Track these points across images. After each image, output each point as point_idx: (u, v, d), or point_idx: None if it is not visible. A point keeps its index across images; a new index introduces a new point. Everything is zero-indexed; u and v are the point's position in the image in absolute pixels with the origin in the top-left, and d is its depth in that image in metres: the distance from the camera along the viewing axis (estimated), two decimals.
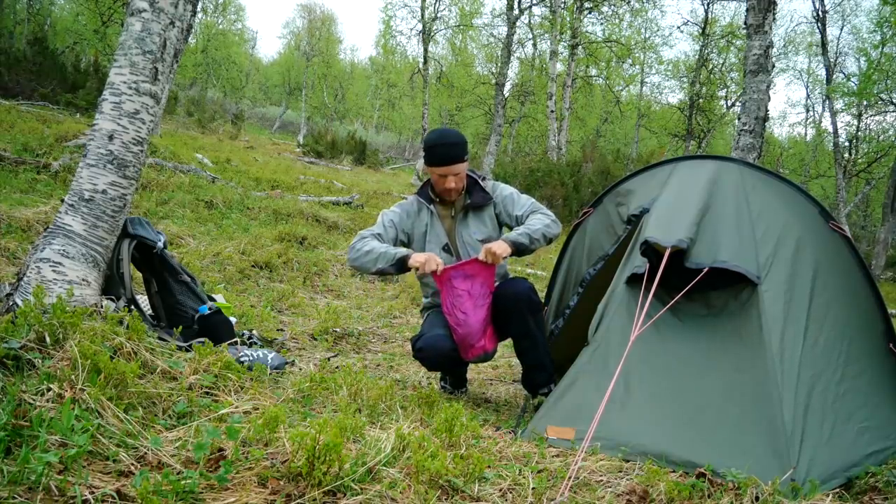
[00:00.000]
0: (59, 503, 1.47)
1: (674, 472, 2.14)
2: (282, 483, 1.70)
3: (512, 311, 2.93)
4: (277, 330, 3.85)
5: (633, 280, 2.67)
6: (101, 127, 2.79)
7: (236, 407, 2.18)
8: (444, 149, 2.99)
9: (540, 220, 2.97)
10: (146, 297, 3.21)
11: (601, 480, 2.04)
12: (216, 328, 3.07)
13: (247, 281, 5.03)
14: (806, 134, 31.18)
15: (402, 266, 2.85)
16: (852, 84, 19.87)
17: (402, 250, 2.89)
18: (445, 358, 2.96)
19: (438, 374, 3.37)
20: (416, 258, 2.83)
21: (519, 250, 2.90)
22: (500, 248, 2.85)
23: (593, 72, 22.83)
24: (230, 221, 7.01)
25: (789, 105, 78.09)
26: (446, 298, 2.84)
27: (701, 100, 21.90)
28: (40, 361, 2.01)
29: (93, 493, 1.51)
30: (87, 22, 21.75)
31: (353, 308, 4.89)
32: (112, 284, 2.87)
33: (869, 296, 2.79)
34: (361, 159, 22.45)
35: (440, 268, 2.80)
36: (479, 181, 3.14)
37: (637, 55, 24.78)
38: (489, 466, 2.00)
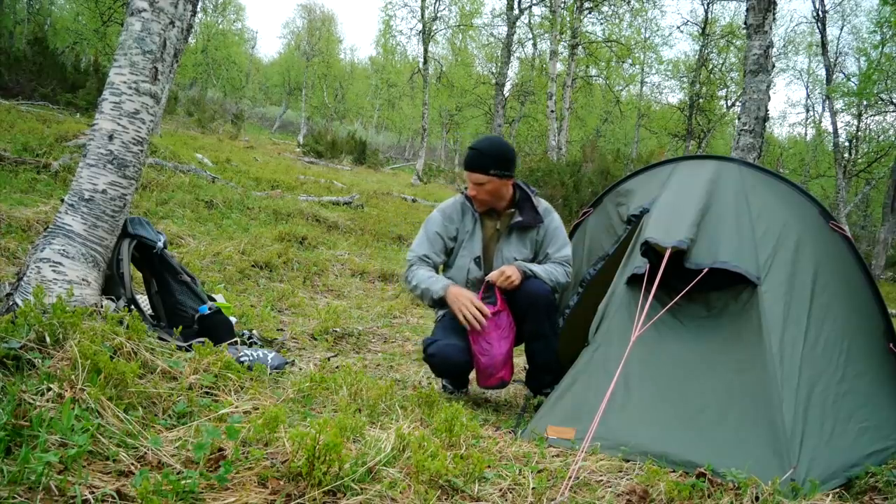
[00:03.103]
0: (59, 503, 1.47)
1: (674, 472, 2.14)
2: (282, 483, 1.70)
3: (528, 310, 2.91)
4: (277, 330, 3.85)
5: (634, 280, 2.67)
6: (101, 127, 2.79)
7: (236, 407, 2.18)
8: (471, 153, 2.92)
9: (561, 273, 2.98)
10: (146, 297, 3.21)
11: (601, 480, 2.04)
12: (216, 328, 3.07)
13: (247, 281, 5.03)
14: (806, 134, 31.21)
15: (442, 303, 2.92)
16: (852, 84, 19.89)
17: (441, 286, 2.88)
18: (457, 369, 2.97)
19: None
20: (455, 305, 2.83)
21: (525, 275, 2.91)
22: (515, 276, 2.85)
23: (593, 72, 22.84)
24: (230, 221, 7.01)
25: (789, 105, 78.19)
26: None
27: (701, 100, 21.91)
28: (40, 361, 2.01)
29: (93, 492, 1.51)
30: (87, 22, 21.77)
31: (353, 308, 4.89)
32: (112, 284, 2.87)
33: (869, 296, 2.79)
34: (361, 159, 22.46)
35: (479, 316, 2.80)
36: (532, 198, 3.03)
37: (637, 55, 24.80)
38: (489, 466, 2.00)
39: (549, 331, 2.95)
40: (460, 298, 2.83)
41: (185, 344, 2.70)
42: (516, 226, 3.01)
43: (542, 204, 3.08)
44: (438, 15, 23.60)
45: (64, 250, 2.65)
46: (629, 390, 2.42)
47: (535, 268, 2.94)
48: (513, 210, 3.04)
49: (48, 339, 2.10)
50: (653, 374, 2.48)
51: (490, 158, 2.87)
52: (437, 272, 3.04)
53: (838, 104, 19.80)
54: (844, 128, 22.55)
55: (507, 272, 2.85)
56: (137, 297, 2.98)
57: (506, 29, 19.18)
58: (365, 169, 21.44)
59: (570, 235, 3.61)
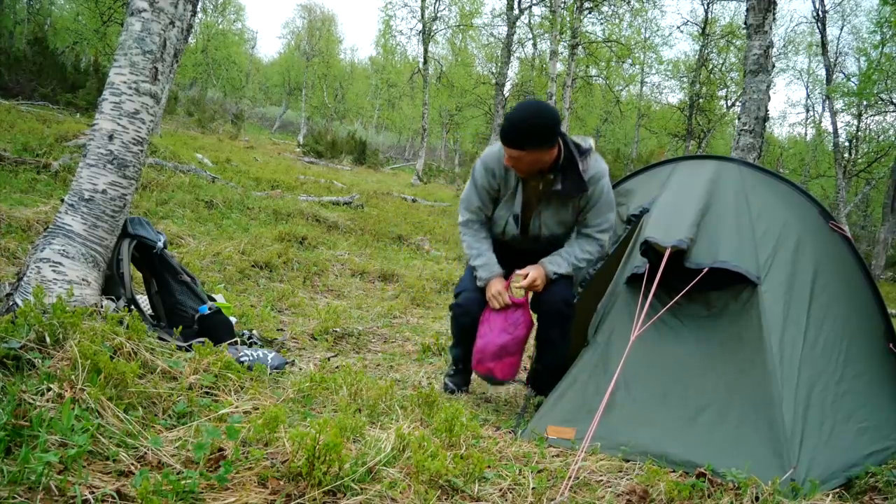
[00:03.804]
0: (59, 503, 1.47)
1: (674, 472, 2.14)
2: (282, 483, 1.70)
3: (542, 315, 2.93)
4: (277, 330, 3.84)
5: (633, 280, 2.67)
6: (101, 127, 2.79)
7: (236, 407, 2.18)
8: (506, 126, 2.66)
9: (593, 249, 2.88)
10: (146, 297, 3.21)
11: (601, 480, 2.04)
12: (216, 328, 3.07)
13: (247, 281, 5.03)
14: (806, 134, 31.21)
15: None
16: (852, 84, 19.88)
17: (483, 275, 2.91)
18: (469, 320, 2.96)
19: (440, 375, 3.36)
20: (489, 290, 2.88)
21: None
22: (540, 281, 2.83)
23: (593, 72, 22.83)
24: (230, 221, 7.01)
25: (789, 105, 78.21)
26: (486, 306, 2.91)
27: (701, 100, 21.91)
28: (40, 361, 2.01)
29: (93, 492, 1.51)
30: (87, 22, 21.75)
31: (353, 308, 4.89)
32: (112, 284, 2.87)
33: (869, 296, 2.79)
34: (361, 159, 22.47)
35: (499, 303, 2.85)
36: (579, 162, 2.74)
37: (637, 55, 24.79)
38: (489, 466, 2.00)
39: (559, 338, 2.94)
40: (492, 288, 2.88)
41: (185, 344, 2.70)
42: (556, 193, 2.80)
43: (593, 168, 2.80)
44: (438, 15, 23.61)
45: (64, 250, 2.65)
46: (629, 390, 2.42)
47: (562, 264, 2.86)
48: (554, 175, 2.79)
49: (48, 339, 2.10)
50: (653, 374, 2.48)
51: (525, 135, 2.61)
52: (486, 225, 3.02)
53: (838, 104, 19.80)
54: (844, 128, 22.58)
55: (532, 276, 2.82)
56: (137, 297, 2.98)
57: (506, 29, 19.19)
58: (365, 169, 21.45)
59: None
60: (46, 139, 7.98)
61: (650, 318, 2.50)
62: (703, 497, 1.94)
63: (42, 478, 1.48)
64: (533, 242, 2.99)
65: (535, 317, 2.98)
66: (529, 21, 22.75)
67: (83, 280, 2.67)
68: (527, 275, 2.84)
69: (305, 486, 1.68)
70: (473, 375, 3.23)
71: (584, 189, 2.78)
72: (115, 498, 1.52)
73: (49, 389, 1.85)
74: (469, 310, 2.94)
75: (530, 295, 2.94)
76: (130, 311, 2.58)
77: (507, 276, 2.96)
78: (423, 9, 22.57)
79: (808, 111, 30.29)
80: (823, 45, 18.52)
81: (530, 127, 2.61)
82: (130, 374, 2.00)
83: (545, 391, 2.98)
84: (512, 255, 3.03)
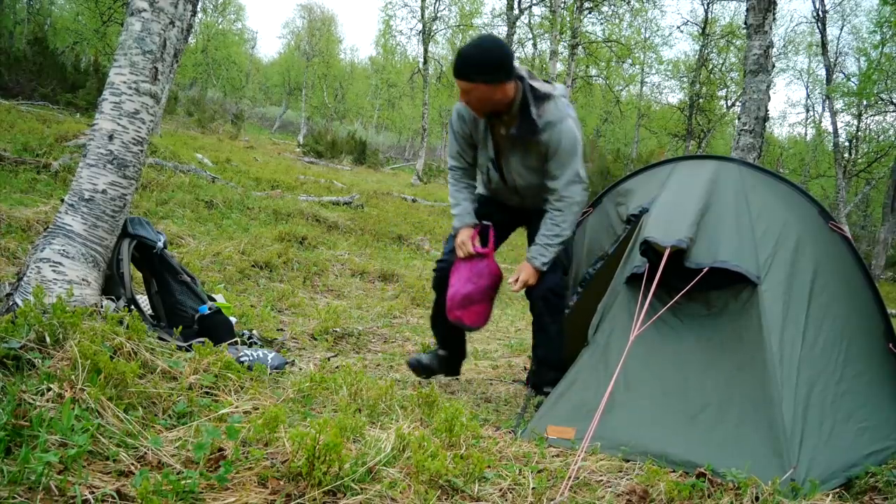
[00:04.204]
0: (59, 503, 1.47)
1: (674, 471, 2.14)
2: (282, 483, 1.70)
3: (531, 307, 3.00)
4: (277, 330, 3.85)
5: (633, 280, 2.67)
6: (101, 127, 2.79)
7: (236, 407, 2.18)
8: (456, 58, 2.67)
9: (566, 222, 2.85)
10: (146, 297, 3.21)
11: (601, 480, 2.04)
12: (216, 328, 3.07)
13: (247, 281, 5.03)
14: (806, 134, 31.21)
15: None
16: (852, 84, 19.89)
17: (455, 223, 3.02)
18: (442, 283, 3.04)
19: (439, 374, 3.37)
20: (456, 239, 2.99)
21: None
22: (532, 278, 2.88)
23: (593, 72, 22.83)
24: (230, 221, 7.01)
25: (789, 105, 78.22)
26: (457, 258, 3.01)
27: (701, 100, 21.91)
28: (40, 361, 2.01)
29: (93, 492, 1.51)
30: (87, 22, 21.76)
31: (353, 308, 4.89)
32: (112, 284, 2.87)
33: (869, 296, 2.79)
34: (361, 159, 22.46)
35: (463, 252, 2.94)
36: (532, 107, 2.71)
37: (637, 55, 24.78)
38: (489, 466, 2.00)
39: (549, 325, 2.96)
40: (459, 237, 2.98)
41: (185, 344, 2.70)
42: (513, 138, 2.80)
43: (551, 113, 2.73)
44: (438, 15, 23.62)
45: (64, 250, 2.65)
46: (629, 390, 2.42)
47: (544, 253, 2.86)
48: (511, 118, 2.79)
49: (48, 339, 2.10)
50: (653, 374, 2.48)
51: (473, 65, 2.62)
52: (469, 173, 3.10)
53: (838, 104, 19.80)
54: (844, 128, 22.58)
55: (523, 279, 2.87)
56: (137, 297, 2.98)
57: (506, 29, 19.17)
58: (365, 169, 21.44)
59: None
60: (46, 139, 7.98)
61: (650, 317, 2.50)
62: (703, 497, 1.94)
63: (42, 478, 1.48)
64: (514, 193, 3.03)
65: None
66: (529, 21, 22.75)
67: (83, 280, 2.67)
68: (517, 279, 2.88)
69: (305, 486, 1.68)
70: (472, 375, 3.23)
71: (535, 132, 2.73)
72: (115, 498, 1.52)
73: (49, 389, 1.85)
74: (442, 274, 3.03)
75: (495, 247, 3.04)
76: (130, 311, 2.58)
77: (502, 231, 3.08)
78: (423, 9, 22.57)
79: (808, 111, 30.32)
80: (823, 45, 18.53)
81: (479, 58, 2.63)
82: (130, 374, 2.00)
83: (539, 388, 3.00)
84: (505, 211, 3.12)
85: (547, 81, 2.89)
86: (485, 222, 3.01)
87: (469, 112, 2.87)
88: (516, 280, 2.89)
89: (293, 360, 3.22)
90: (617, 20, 21.60)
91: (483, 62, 2.62)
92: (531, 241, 2.99)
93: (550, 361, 3.00)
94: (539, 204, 2.95)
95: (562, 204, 2.83)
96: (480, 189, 3.16)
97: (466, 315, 2.94)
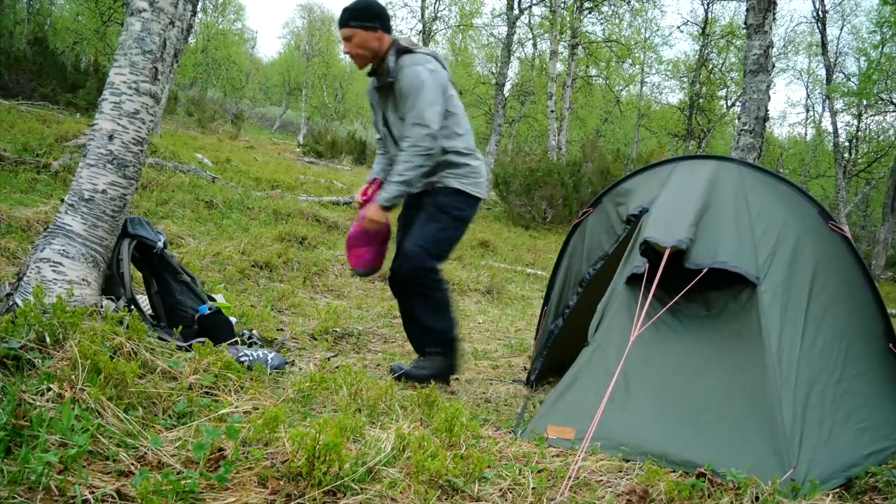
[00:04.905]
0: (59, 503, 1.47)
1: (674, 471, 2.14)
2: (282, 483, 1.70)
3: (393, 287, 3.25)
4: (277, 330, 3.85)
5: (633, 280, 2.67)
6: (101, 127, 2.79)
7: (236, 407, 2.18)
8: (342, 12, 3.03)
9: (405, 158, 2.97)
10: (146, 297, 3.21)
11: (601, 480, 2.04)
12: (216, 328, 3.07)
13: (247, 281, 5.03)
14: (806, 134, 31.20)
15: None
16: (852, 84, 19.89)
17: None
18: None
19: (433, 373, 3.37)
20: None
21: (397, 205, 3.09)
22: (376, 216, 3.05)
23: (593, 72, 22.83)
24: (230, 221, 7.01)
25: (789, 105, 78.12)
26: None
27: (701, 100, 21.92)
28: (40, 361, 2.01)
29: (93, 492, 1.51)
30: (87, 22, 21.76)
31: (353, 308, 4.89)
32: (112, 284, 2.86)
33: (868, 296, 2.79)
34: (361, 159, 22.44)
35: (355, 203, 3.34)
36: (392, 57, 3.02)
37: (637, 55, 24.78)
38: (489, 466, 2.00)
39: (420, 305, 3.12)
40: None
41: (185, 344, 2.70)
42: (381, 89, 3.13)
43: (403, 61, 3.01)
44: (438, 15, 23.62)
45: (64, 250, 2.65)
46: (629, 390, 2.42)
47: (387, 189, 3.01)
48: (384, 70, 3.08)
49: (48, 339, 2.10)
50: (653, 374, 2.48)
51: (348, 11, 3.00)
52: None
53: (838, 104, 19.81)
54: (844, 128, 22.57)
55: (370, 216, 3.06)
56: (137, 297, 2.98)
57: (506, 29, 19.16)
58: (365, 169, 21.40)
59: (570, 235, 3.61)
60: (46, 139, 7.97)
61: (650, 318, 2.50)
62: (703, 497, 1.94)
63: (42, 478, 1.48)
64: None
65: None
66: (529, 21, 22.74)
67: (83, 280, 2.67)
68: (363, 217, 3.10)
69: (305, 486, 1.68)
70: (471, 375, 3.23)
71: (392, 79, 3.01)
72: (115, 498, 1.52)
73: (49, 389, 1.85)
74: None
75: (371, 193, 3.22)
76: (130, 311, 2.58)
77: (415, 200, 3.20)
78: (423, 9, 22.57)
79: (808, 111, 30.31)
80: (823, 45, 18.53)
81: (356, 6, 3.01)
82: (130, 374, 2.00)
83: (424, 347, 3.20)
84: None
85: (422, 45, 3.21)
86: (374, 177, 3.29)
87: (372, 81, 3.19)
88: (368, 220, 3.07)
89: (293, 360, 3.22)
90: (617, 20, 21.61)
91: (362, 10, 3.01)
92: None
93: (425, 327, 3.15)
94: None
95: (404, 144, 2.99)
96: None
97: (350, 258, 3.21)
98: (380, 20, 3.03)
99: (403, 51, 3.03)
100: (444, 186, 3.09)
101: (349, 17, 3.00)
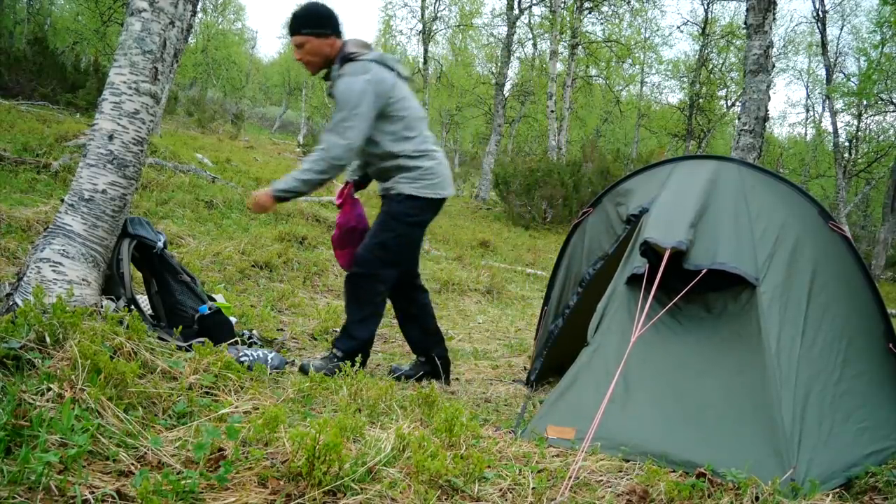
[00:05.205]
0: (59, 503, 1.47)
1: (674, 472, 2.14)
2: (282, 483, 1.70)
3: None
4: (277, 330, 3.85)
5: (633, 280, 2.67)
6: (101, 127, 2.79)
7: (236, 407, 2.18)
8: (290, 19, 2.97)
9: (307, 160, 2.94)
10: (146, 297, 3.21)
11: (601, 480, 2.04)
12: (216, 328, 3.07)
13: (247, 281, 5.03)
14: (806, 134, 31.20)
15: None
16: (852, 84, 19.89)
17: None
18: None
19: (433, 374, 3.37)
20: None
21: (288, 199, 3.03)
22: (263, 200, 2.96)
23: (593, 72, 22.84)
24: (230, 221, 7.01)
25: (789, 105, 78.13)
26: None
27: (701, 100, 21.92)
28: (40, 361, 2.01)
29: (93, 492, 1.51)
30: (87, 22, 21.75)
31: None
32: (112, 284, 2.86)
33: (868, 296, 2.79)
34: None
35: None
36: (338, 66, 2.97)
37: (637, 55, 24.78)
38: (489, 466, 2.00)
39: (350, 303, 3.12)
40: None
41: (185, 344, 2.70)
42: (331, 96, 3.07)
43: (344, 69, 2.95)
44: (438, 15, 23.63)
45: (64, 250, 2.65)
46: (629, 390, 2.42)
47: (282, 180, 2.96)
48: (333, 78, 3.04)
49: (48, 339, 2.10)
50: (653, 375, 2.48)
51: (299, 19, 2.95)
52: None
53: (838, 104, 19.80)
54: (844, 128, 22.57)
55: (256, 198, 2.98)
56: (137, 297, 2.98)
57: (506, 29, 19.18)
58: None
59: (570, 235, 3.61)
60: (46, 139, 7.97)
61: (650, 318, 2.50)
62: (703, 497, 1.94)
63: (42, 478, 1.48)
64: (362, 154, 3.13)
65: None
66: (529, 21, 22.75)
67: (83, 280, 2.67)
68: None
69: (305, 486, 1.68)
70: (471, 375, 3.23)
71: (335, 82, 2.96)
72: (115, 498, 1.52)
73: (49, 389, 1.85)
74: None
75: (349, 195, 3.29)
76: (130, 311, 2.58)
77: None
78: (423, 9, 22.58)
79: (808, 111, 30.32)
80: (823, 45, 18.53)
81: (304, 12, 2.96)
82: (130, 374, 2.00)
83: (415, 348, 3.31)
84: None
85: (370, 49, 3.05)
86: (347, 180, 3.30)
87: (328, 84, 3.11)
88: (253, 201, 3.00)
89: (293, 360, 3.22)
90: (617, 20, 21.62)
91: (307, 15, 2.95)
92: None
93: (347, 328, 3.13)
94: (378, 164, 3.10)
95: (317, 147, 2.96)
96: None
97: (339, 258, 3.26)
98: (331, 25, 2.97)
99: (346, 58, 2.96)
100: (398, 193, 3.04)
101: (300, 25, 2.94)
